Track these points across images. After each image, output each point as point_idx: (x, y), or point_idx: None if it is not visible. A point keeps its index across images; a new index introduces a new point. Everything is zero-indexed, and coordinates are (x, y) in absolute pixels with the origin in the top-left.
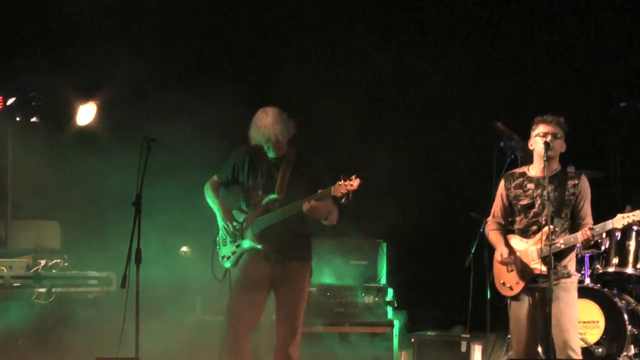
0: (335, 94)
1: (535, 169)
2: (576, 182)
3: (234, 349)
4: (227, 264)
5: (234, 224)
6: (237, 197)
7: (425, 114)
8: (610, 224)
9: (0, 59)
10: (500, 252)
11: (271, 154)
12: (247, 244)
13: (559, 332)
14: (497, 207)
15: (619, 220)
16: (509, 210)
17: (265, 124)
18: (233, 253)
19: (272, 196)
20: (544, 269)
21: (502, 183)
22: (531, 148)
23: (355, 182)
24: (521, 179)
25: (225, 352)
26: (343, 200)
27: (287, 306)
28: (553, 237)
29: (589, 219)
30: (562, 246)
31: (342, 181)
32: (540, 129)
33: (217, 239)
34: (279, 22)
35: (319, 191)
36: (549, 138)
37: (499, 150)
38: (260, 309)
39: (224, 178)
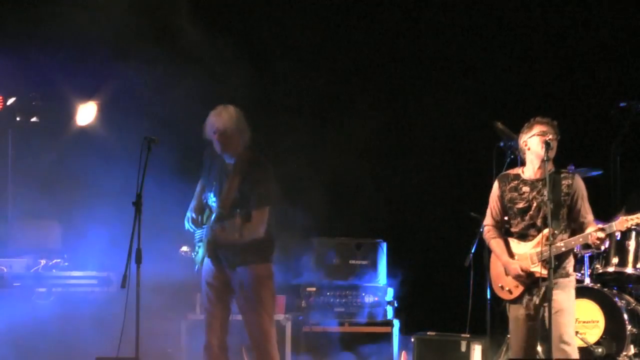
0: (336, 97)
1: (529, 171)
2: (570, 182)
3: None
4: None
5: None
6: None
7: (425, 114)
8: (613, 227)
9: (0, 58)
10: (516, 271)
11: (219, 152)
12: (200, 250)
13: (556, 327)
14: (494, 209)
15: (622, 223)
16: (505, 211)
17: (219, 115)
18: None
19: (216, 212)
20: (544, 272)
21: (496, 184)
22: (525, 148)
23: None
24: (516, 182)
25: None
26: None
27: (246, 311)
28: (553, 239)
29: (590, 217)
30: (563, 248)
31: None
32: (539, 129)
33: (196, 236)
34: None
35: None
36: (550, 137)
37: (499, 150)
38: (225, 311)
39: (196, 201)
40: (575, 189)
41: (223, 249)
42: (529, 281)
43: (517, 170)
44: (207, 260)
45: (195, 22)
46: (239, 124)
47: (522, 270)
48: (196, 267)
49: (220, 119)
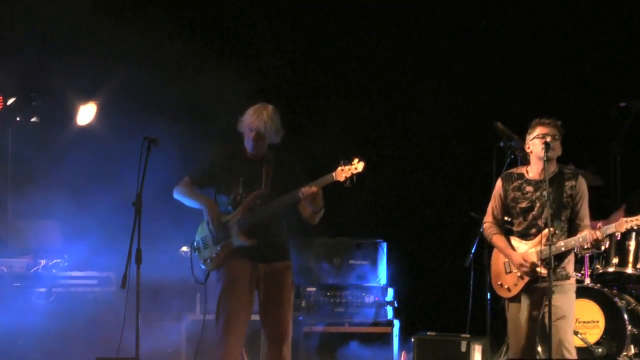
0: (336, 96)
1: (533, 171)
2: (573, 183)
3: (228, 357)
4: (210, 267)
5: (222, 221)
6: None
7: (425, 114)
8: (613, 228)
9: (0, 58)
10: (519, 260)
11: (250, 151)
12: (235, 242)
13: (556, 332)
14: (495, 207)
15: (622, 225)
16: (507, 210)
17: (259, 114)
18: (217, 254)
19: (259, 192)
20: (543, 271)
21: (499, 183)
22: (528, 150)
23: (359, 165)
24: (519, 181)
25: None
26: (347, 184)
27: (275, 307)
28: (554, 239)
29: (587, 220)
30: (563, 248)
31: (343, 165)
32: (539, 130)
33: (197, 240)
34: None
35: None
36: (548, 139)
37: (499, 150)
38: (249, 313)
39: (199, 178)
40: (578, 191)
41: (265, 240)
42: (532, 275)
43: (521, 170)
44: (230, 260)
45: (192, 22)
46: (276, 127)
47: (525, 260)
48: (206, 271)
49: (260, 120)
